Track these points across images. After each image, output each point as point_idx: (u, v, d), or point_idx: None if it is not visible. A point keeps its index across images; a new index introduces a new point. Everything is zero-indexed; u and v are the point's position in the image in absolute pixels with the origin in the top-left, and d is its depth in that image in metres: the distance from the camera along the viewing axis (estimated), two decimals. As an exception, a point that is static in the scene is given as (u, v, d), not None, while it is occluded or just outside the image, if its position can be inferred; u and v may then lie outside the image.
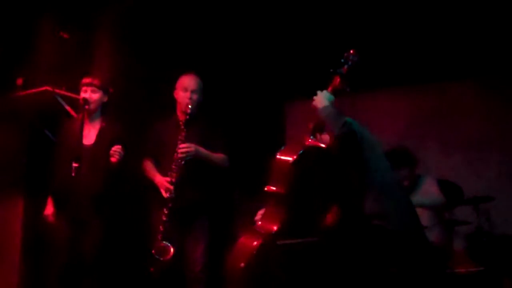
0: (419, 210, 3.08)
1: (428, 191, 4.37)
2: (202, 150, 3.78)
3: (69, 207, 3.63)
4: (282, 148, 2.90)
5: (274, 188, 2.80)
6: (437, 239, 4.31)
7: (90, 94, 3.79)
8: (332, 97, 2.82)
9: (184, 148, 3.70)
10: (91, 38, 4.37)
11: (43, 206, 3.78)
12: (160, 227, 3.61)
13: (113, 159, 3.65)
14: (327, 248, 2.61)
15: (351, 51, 2.90)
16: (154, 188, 3.78)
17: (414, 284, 2.59)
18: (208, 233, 3.83)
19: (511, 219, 5.08)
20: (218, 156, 3.88)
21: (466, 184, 4.95)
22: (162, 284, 3.68)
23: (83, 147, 3.62)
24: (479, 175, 5.43)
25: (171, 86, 3.96)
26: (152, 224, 3.73)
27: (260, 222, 2.82)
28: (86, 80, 3.82)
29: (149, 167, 3.89)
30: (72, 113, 4.09)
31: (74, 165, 3.46)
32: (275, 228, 2.71)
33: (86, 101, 3.73)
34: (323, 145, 2.89)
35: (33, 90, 4.17)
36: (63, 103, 4.15)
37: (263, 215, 2.85)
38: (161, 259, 3.58)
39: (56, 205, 3.75)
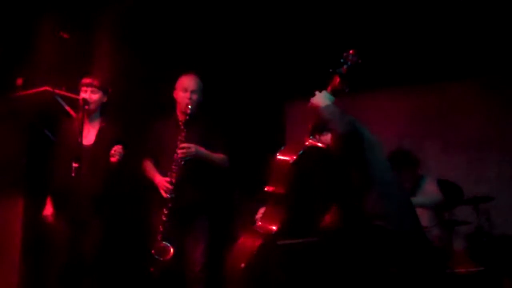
0: (419, 210, 3.09)
1: (428, 191, 4.38)
2: (202, 150, 3.78)
3: (69, 207, 3.62)
4: (282, 148, 2.90)
5: (274, 188, 2.80)
6: (437, 239, 4.32)
7: (90, 94, 3.79)
8: (332, 97, 2.82)
9: (184, 148, 3.70)
10: (91, 38, 4.37)
11: (43, 206, 3.78)
12: (160, 227, 3.61)
13: (113, 159, 3.65)
14: (327, 248, 2.61)
15: (351, 51, 2.90)
16: (154, 188, 3.77)
17: (414, 284, 2.60)
18: (208, 233, 3.83)
19: (511, 219, 5.08)
20: (218, 156, 3.88)
21: (466, 184, 4.96)
22: (162, 284, 3.68)
23: (82, 147, 3.62)
24: (479, 175, 5.43)
25: (171, 86, 3.96)
26: (152, 224, 3.72)
27: (260, 222, 2.82)
28: (86, 80, 3.82)
29: (149, 167, 3.89)
30: (72, 113, 4.09)
31: (74, 165, 3.46)
32: (275, 228, 2.72)
33: (86, 101, 3.73)
34: (323, 145, 2.89)
35: (33, 90, 4.17)
36: (63, 103, 4.15)
37: (263, 215, 2.85)
38: (161, 259, 3.57)
39: (56, 205, 3.75)
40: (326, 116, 2.75)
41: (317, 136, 2.95)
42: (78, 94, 3.84)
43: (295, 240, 2.64)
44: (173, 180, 3.66)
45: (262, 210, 2.95)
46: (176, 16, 4.81)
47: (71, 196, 3.57)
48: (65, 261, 3.62)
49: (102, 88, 3.85)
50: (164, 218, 3.61)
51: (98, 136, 3.82)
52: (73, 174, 3.45)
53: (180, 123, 3.83)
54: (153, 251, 3.58)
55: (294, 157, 2.76)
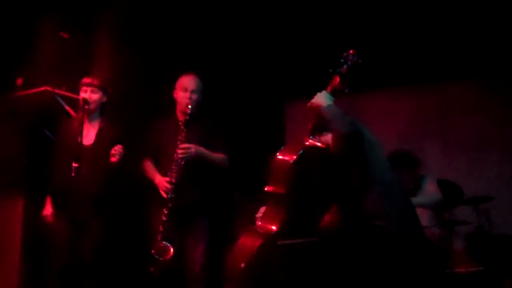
0: (419, 210, 3.09)
1: (428, 191, 4.38)
2: (202, 150, 3.78)
3: (68, 207, 3.62)
4: (282, 148, 2.90)
5: (274, 188, 2.80)
6: (437, 239, 4.32)
7: (90, 94, 3.79)
8: (332, 97, 2.82)
9: (184, 148, 3.70)
10: (91, 38, 4.37)
11: (43, 206, 3.78)
12: (160, 227, 3.60)
13: (113, 159, 3.65)
14: (327, 248, 2.61)
15: (351, 51, 2.90)
16: (154, 188, 3.77)
17: (414, 284, 2.59)
18: (208, 233, 3.82)
19: (511, 219, 5.08)
20: (218, 156, 3.88)
21: (466, 184, 4.96)
22: (162, 284, 3.68)
23: (82, 147, 3.61)
24: (479, 175, 5.43)
25: (171, 86, 3.96)
26: (152, 224, 3.72)
27: (260, 222, 2.82)
28: (86, 80, 3.82)
29: (149, 167, 3.89)
30: (72, 113, 4.09)
31: (74, 165, 3.46)
32: (275, 228, 2.71)
33: (85, 101, 3.73)
34: (323, 145, 2.89)
35: (33, 90, 4.17)
36: (63, 103, 4.15)
37: (263, 215, 2.85)
38: (161, 259, 3.57)
39: (56, 205, 3.75)
40: (328, 116, 2.75)
41: (317, 136, 2.95)
42: (78, 94, 3.84)
43: (295, 240, 2.64)
44: (173, 180, 3.66)
45: (262, 210, 2.94)
46: (176, 16, 4.81)
47: (71, 196, 3.57)
48: (65, 261, 3.62)
49: (102, 88, 3.85)
50: (164, 218, 3.61)
51: (98, 136, 3.82)
52: (73, 174, 3.45)
53: (180, 123, 3.83)
54: (153, 251, 3.58)
55: (294, 157, 2.76)
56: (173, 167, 3.68)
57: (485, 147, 5.49)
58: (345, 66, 2.85)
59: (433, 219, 4.42)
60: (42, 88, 4.12)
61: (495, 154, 5.45)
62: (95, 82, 3.81)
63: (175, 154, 3.69)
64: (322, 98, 2.80)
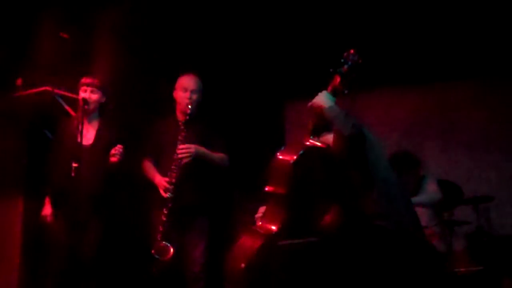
0: (418, 210, 3.09)
1: (429, 191, 4.38)
2: (202, 149, 3.78)
3: (68, 207, 3.62)
4: (283, 148, 2.90)
5: (274, 188, 2.79)
6: (436, 239, 4.32)
7: (90, 94, 3.79)
8: (333, 97, 2.81)
9: (183, 149, 3.69)
10: (91, 38, 4.37)
11: (42, 206, 3.78)
12: (160, 227, 3.60)
13: (114, 159, 3.65)
14: (328, 248, 2.61)
15: (351, 51, 2.89)
16: (154, 188, 3.77)
17: (414, 284, 2.59)
18: (207, 233, 3.83)
19: (511, 219, 5.08)
20: (218, 156, 3.88)
21: (466, 184, 4.96)
22: (162, 284, 3.68)
23: (82, 147, 3.61)
24: (479, 175, 5.43)
25: (171, 86, 3.96)
26: (151, 224, 3.72)
27: (260, 222, 2.82)
28: (86, 80, 3.82)
29: (149, 167, 3.89)
30: (72, 113, 4.09)
31: (74, 165, 3.46)
32: (275, 228, 2.71)
33: (85, 101, 3.73)
34: (323, 145, 2.88)
35: (33, 90, 4.18)
36: (62, 103, 4.15)
37: (264, 215, 2.84)
38: (161, 259, 3.57)
39: (55, 205, 3.75)
40: (330, 117, 2.74)
41: (317, 136, 2.94)
42: (77, 94, 3.84)
43: (295, 240, 2.64)
44: (173, 180, 3.66)
45: (261, 210, 2.94)
46: (176, 16, 4.81)
47: (70, 196, 3.57)
48: (65, 261, 3.62)
49: (101, 88, 3.85)
50: (164, 218, 3.61)
51: (97, 136, 3.82)
52: (73, 174, 3.45)
53: (180, 123, 3.83)
54: (153, 251, 3.58)
55: (295, 157, 2.75)
56: (173, 167, 3.68)
57: (485, 147, 5.49)
58: (345, 66, 2.84)
59: (433, 219, 4.41)
60: (42, 88, 4.12)
61: (495, 154, 5.44)
62: (95, 82, 3.81)
63: (175, 154, 3.69)
64: (323, 99, 2.79)
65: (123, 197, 4.05)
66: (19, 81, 4.21)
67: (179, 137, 3.73)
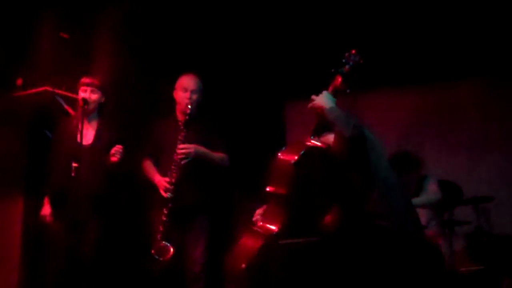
0: (419, 210, 3.09)
1: (430, 191, 4.38)
2: (202, 149, 3.78)
3: (67, 207, 3.61)
4: (283, 148, 2.89)
5: (275, 188, 2.79)
6: (436, 239, 4.32)
7: (90, 94, 3.79)
8: (334, 98, 2.81)
9: (183, 149, 3.69)
10: (91, 38, 4.36)
11: (42, 206, 3.77)
12: (160, 227, 3.60)
13: (114, 159, 3.65)
14: (329, 248, 2.61)
15: (352, 51, 2.89)
16: (154, 188, 3.77)
17: (414, 284, 2.59)
18: (207, 233, 3.82)
19: (511, 219, 5.08)
20: (218, 156, 3.88)
21: (466, 184, 4.96)
22: (162, 284, 3.68)
23: (81, 147, 3.61)
24: (479, 175, 5.43)
25: (171, 86, 3.96)
26: (151, 224, 3.72)
27: (261, 222, 2.82)
28: (85, 80, 3.82)
29: (149, 167, 3.89)
30: (72, 113, 4.09)
31: (74, 165, 3.46)
32: (276, 228, 2.71)
33: (85, 101, 3.72)
34: (324, 146, 2.88)
35: (33, 90, 4.17)
36: (62, 103, 4.15)
37: (264, 216, 2.84)
38: (161, 259, 3.57)
39: (55, 205, 3.74)
40: (331, 118, 2.73)
41: (317, 136, 2.94)
42: (77, 94, 3.84)
43: (296, 240, 2.63)
44: (173, 180, 3.66)
45: (261, 210, 2.94)
46: (176, 16, 4.81)
47: (70, 196, 3.57)
48: (65, 261, 3.62)
49: (101, 88, 3.85)
50: (164, 218, 3.61)
51: (97, 136, 3.82)
52: (72, 174, 3.45)
53: (180, 123, 3.83)
54: (153, 251, 3.58)
55: (296, 157, 2.75)
56: (173, 167, 3.68)
57: (485, 147, 5.49)
58: (347, 66, 2.84)
59: (433, 219, 4.41)
60: (42, 88, 4.12)
61: (495, 154, 5.44)
62: (95, 82, 3.81)
63: (175, 154, 3.69)
64: (324, 100, 2.79)
65: (123, 197, 4.05)
66: (19, 81, 4.21)
67: (179, 137, 3.73)
